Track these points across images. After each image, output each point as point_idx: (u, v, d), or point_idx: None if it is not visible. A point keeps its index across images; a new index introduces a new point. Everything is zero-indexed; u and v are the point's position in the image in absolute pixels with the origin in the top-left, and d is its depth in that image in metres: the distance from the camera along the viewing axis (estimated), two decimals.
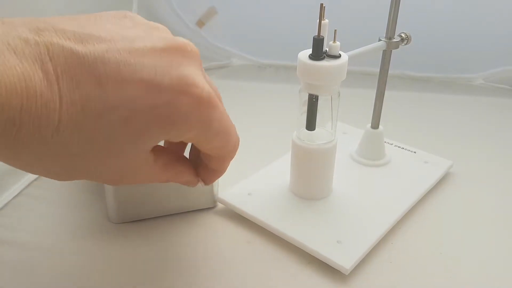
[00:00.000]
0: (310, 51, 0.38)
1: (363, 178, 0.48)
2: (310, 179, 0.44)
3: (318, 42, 0.37)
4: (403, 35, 0.45)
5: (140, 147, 0.25)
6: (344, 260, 0.37)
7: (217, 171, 0.33)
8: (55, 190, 0.47)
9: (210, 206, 0.45)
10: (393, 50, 0.46)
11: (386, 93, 0.48)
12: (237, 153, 0.32)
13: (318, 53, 0.37)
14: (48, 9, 0.53)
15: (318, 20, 0.38)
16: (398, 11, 0.44)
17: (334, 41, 0.38)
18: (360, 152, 0.51)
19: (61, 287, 0.37)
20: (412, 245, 0.42)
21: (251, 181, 0.47)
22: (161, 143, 0.32)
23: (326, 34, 0.38)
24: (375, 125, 0.50)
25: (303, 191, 0.45)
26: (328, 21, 0.38)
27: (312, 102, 0.40)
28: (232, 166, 0.49)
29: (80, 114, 0.21)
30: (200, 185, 0.34)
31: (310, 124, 0.41)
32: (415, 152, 0.53)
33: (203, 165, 0.33)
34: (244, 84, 0.75)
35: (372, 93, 0.49)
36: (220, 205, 0.46)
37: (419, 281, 0.38)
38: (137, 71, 0.23)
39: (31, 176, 0.48)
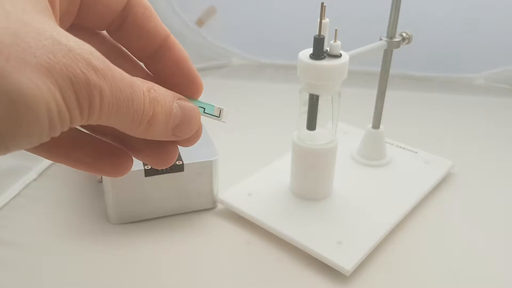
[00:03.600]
0: (310, 50, 0.38)
1: (364, 179, 0.48)
2: (310, 179, 0.44)
3: (318, 42, 0.37)
4: (404, 34, 0.45)
5: None
6: (345, 261, 0.37)
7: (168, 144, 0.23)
8: (53, 191, 0.47)
9: (210, 207, 0.45)
10: (394, 50, 0.46)
11: (387, 93, 0.48)
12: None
13: (319, 52, 0.37)
14: None
15: (318, 19, 0.37)
16: (399, 11, 0.44)
17: (335, 40, 0.38)
18: (361, 152, 0.51)
19: (60, 287, 0.37)
20: (413, 246, 0.41)
21: (251, 181, 0.47)
22: None
23: (326, 33, 0.38)
24: (376, 125, 0.49)
25: (304, 192, 0.44)
26: (328, 20, 0.38)
27: (313, 102, 0.39)
28: (232, 166, 0.49)
29: None
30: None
31: (311, 124, 0.40)
32: (416, 152, 0.52)
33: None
34: (244, 84, 0.74)
35: (373, 93, 0.49)
36: (220, 206, 0.45)
37: (420, 282, 0.38)
38: None
39: (29, 177, 0.48)
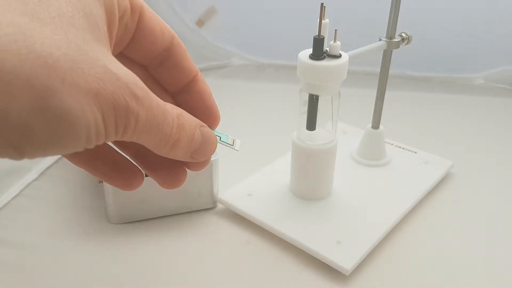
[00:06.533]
0: (310, 50, 0.38)
1: (364, 178, 0.48)
2: (310, 179, 0.44)
3: (318, 42, 0.37)
4: (403, 34, 0.45)
5: None
6: (345, 261, 0.37)
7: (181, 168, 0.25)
8: (54, 191, 0.47)
9: (210, 207, 0.45)
10: (393, 50, 0.46)
11: (387, 93, 0.48)
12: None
13: (319, 52, 0.37)
14: None
15: (318, 20, 0.37)
16: (398, 11, 0.44)
17: (335, 40, 0.38)
18: (361, 152, 0.51)
19: (60, 286, 0.37)
20: (412, 246, 0.41)
21: (251, 181, 0.47)
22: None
23: (326, 33, 0.38)
24: (375, 125, 0.49)
25: (303, 191, 0.44)
26: (328, 20, 0.38)
27: (313, 102, 0.40)
28: (232, 166, 0.49)
29: None
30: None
31: (311, 124, 0.41)
32: (415, 152, 0.52)
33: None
34: (244, 84, 0.74)
35: (373, 93, 0.49)
36: (220, 206, 0.45)
37: (419, 282, 0.38)
38: None
39: (30, 177, 0.48)
